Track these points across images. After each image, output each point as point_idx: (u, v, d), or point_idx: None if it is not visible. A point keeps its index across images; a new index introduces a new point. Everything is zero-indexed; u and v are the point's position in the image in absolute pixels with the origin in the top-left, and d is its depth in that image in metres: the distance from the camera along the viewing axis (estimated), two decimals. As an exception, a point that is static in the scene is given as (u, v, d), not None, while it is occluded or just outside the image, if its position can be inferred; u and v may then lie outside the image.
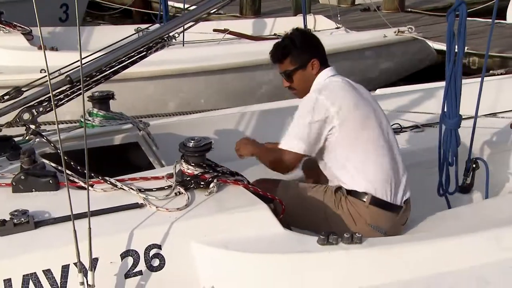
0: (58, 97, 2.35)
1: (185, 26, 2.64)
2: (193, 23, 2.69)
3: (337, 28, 7.73)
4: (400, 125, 3.93)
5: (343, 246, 2.00)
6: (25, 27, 6.08)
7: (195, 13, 2.66)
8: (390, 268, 2.01)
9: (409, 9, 10.58)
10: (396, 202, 2.40)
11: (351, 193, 2.35)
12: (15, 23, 6.12)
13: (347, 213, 2.34)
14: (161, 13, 7.39)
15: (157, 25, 7.25)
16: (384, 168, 2.39)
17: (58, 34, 6.63)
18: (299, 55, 2.53)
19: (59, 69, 2.49)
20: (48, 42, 6.11)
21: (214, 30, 6.87)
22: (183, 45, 6.08)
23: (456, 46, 2.70)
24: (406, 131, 3.92)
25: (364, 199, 2.33)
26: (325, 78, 2.54)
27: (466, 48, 2.87)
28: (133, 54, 2.50)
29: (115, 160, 2.95)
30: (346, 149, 2.37)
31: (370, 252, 2.02)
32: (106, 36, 6.32)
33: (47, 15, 7.61)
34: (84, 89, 2.42)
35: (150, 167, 2.99)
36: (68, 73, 2.41)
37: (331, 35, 7.42)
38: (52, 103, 1.96)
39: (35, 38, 6.08)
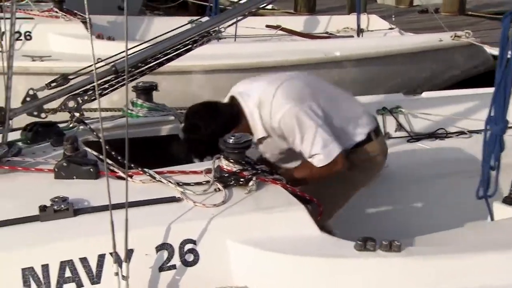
0: (103, 86, 2.42)
1: (234, 21, 2.66)
2: (241, 17, 2.72)
3: (391, 29, 7.64)
4: (445, 130, 3.88)
5: (380, 253, 1.98)
6: (85, 16, 6.27)
7: (244, 7, 2.68)
8: (429, 279, 1.98)
9: (469, 12, 10.31)
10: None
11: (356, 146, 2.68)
12: (76, 11, 6.33)
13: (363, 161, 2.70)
14: (211, 5, 7.47)
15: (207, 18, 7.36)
16: (350, 113, 2.73)
17: (116, 23, 6.81)
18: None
19: (107, 58, 2.56)
20: (106, 31, 6.29)
21: (267, 26, 6.92)
22: (235, 40, 6.14)
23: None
24: (451, 137, 3.86)
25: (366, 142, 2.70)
26: (247, 102, 2.54)
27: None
28: (178, 46, 2.54)
29: (155, 151, 3.02)
30: (329, 120, 2.56)
31: (408, 261, 1.99)
32: (160, 27, 6.44)
33: (106, 3, 7.82)
34: (129, 79, 2.47)
35: (190, 160, 3.04)
36: (114, 62, 2.47)
37: (384, 36, 7.34)
38: (96, 92, 2.03)
39: (94, 26, 6.28)
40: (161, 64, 2.55)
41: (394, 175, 3.45)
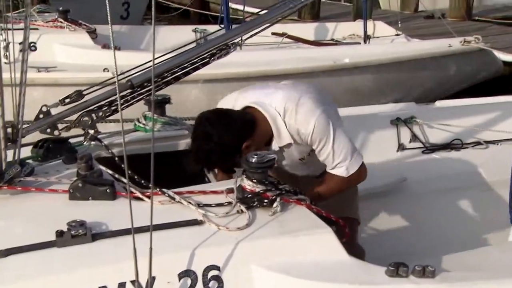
0: (117, 102, 2.34)
1: (254, 32, 2.60)
2: (262, 29, 2.65)
3: (397, 35, 7.63)
4: (461, 141, 3.82)
5: (413, 279, 1.90)
6: (90, 26, 6.25)
7: (264, 19, 2.62)
8: (467, 308, 1.91)
9: (477, 18, 10.28)
10: None
11: None
12: (80, 21, 6.31)
13: None
14: (222, 15, 7.44)
15: (215, 27, 7.31)
16: None
17: (120, 33, 6.84)
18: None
19: (128, 70, 2.48)
20: (110, 41, 6.24)
21: (273, 34, 6.88)
22: (241, 48, 6.09)
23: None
24: (467, 147, 3.79)
25: None
26: (268, 109, 2.41)
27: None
28: (196, 60, 2.47)
29: (168, 167, 2.94)
30: None
31: None
32: (165, 37, 6.44)
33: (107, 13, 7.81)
34: (145, 94, 2.40)
35: (204, 176, 2.97)
36: (129, 77, 2.40)
37: (391, 42, 7.31)
38: (119, 106, 1.97)
39: (99, 36, 6.26)
40: (178, 78, 2.48)
41: (411, 188, 3.39)
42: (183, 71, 2.45)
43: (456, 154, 3.73)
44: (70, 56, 5.56)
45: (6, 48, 2.29)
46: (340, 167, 2.45)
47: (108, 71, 5.04)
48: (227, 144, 2.30)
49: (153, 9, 1.46)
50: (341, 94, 6.29)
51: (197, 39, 6.07)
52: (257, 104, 2.43)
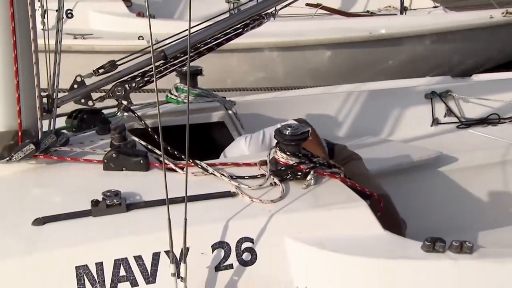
0: (151, 73, 2.35)
1: (289, 1, 2.56)
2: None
3: (435, 7, 7.45)
4: (498, 116, 3.75)
5: (450, 255, 1.88)
6: None
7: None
8: (505, 284, 1.88)
9: (520, -11, 9.92)
10: None
11: None
12: None
13: None
14: None
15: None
16: None
17: (154, 1, 6.87)
18: None
19: (162, 40, 2.49)
20: (145, 9, 6.29)
21: (307, 4, 6.81)
22: (274, 18, 6.05)
23: None
24: (505, 122, 3.72)
25: None
26: None
27: None
28: (229, 30, 2.45)
29: (200, 139, 2.96)
30: None
31: (482, 265, 1.88)
32: (198, 6, 6.41)
33: None
34: (179, 65, 2.40)
35: None
36: (162, 48, 2.40)
37: (429, 14, 7.15)
38: (155, 77, 1.96)
39: (133, 5, 6.31)
40: (211, 49, 2.47)
41: (445, 163, 3.34)
42: (216, 42, 2.43)
43: (493, 129, 3.66)
44: (105, 24, 5.64)
45: (44, 15, 2.30)
46: None
47: (143, 39, 5.08)
48: None
49: None
50: (375, 65, 6.21)
51: (230, 9, 6.03)
52: None
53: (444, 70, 6.46)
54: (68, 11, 5.78)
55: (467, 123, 3.71)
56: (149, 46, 2.42)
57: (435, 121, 3.73)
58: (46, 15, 2.40)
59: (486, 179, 3.35)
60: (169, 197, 1.77)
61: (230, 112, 3.05)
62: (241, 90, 4.64)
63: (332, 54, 5.97)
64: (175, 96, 3.02)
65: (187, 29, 2.51)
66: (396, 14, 7.18)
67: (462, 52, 6.59)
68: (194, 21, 2.70)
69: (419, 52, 6.37)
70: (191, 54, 2.42)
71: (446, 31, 6.36)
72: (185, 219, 1.69)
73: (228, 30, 2.45)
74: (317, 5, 6.95)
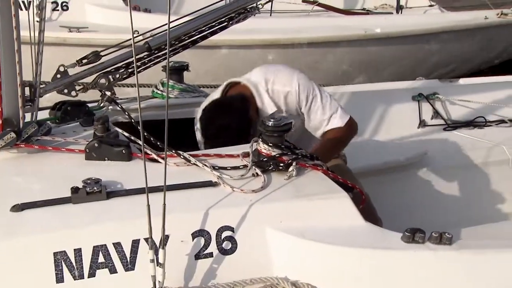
0: (136, 64, 2.39)
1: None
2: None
3: (430, 6, 7.53)
4: (484, 119, 3.83)
5: (430, 246, 1.93)
6: None
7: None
8: (482, 274, 1.93)
9: (514, -10, 10.05)
10: None
11: None
12: None
13: None
14: None
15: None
16: None
17: None
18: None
19: (144, 33, 2.54)
20: (142, 3, 6.37)
21: (303, 1, 6.88)
22: (271, 15, 6.11)
23: None
24: (491, 125, 3.79)
25: None
26: (249, 80, 2.64)
27: None
28: (213, 24, 2.50)
29: (184, 133, 3.01)
30: None
31: (460, 255, 1.93)
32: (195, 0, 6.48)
33: None
34: (162, 57, 2.45)
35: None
36: (147, 39, 2.45)
37: (424, 13, 7.23)
38: (135, 69, 2.00)
39: None
40: (195, 42, 2.52)
41: (431, 164, 3.41)
42: (200, 35, 2.48)
43: (479, 132, 3.74)
44: (101, 17, 5.66)
45: (39, 6, 2.33)
46: (335, 118, 2.66)
47: (138, 33, 5.11)
48: (241, 125, 2.52)
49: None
50: (370, 64, 6.27)
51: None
52: (235, 78, 2.66)
53: (440, 69, 6.54)
54: (64, 4, 5.80)
55: (453, 125, 3.79)
56: (136, 36, 2.49)
57: (422, 123, 3.81)
58: (32, 5, 2.43)
59: (471, 180, 3.42)
60: (151, 186, 1.82)
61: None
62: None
63: (327, 53, 6.03)
64: (161, 91, 3.06)
65: (173, 20, 2.58)
66: (392, 13, 7.27)
67: (458, 51, 6.67)
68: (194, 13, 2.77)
69: (414, 51, 6.44)
70: (175, 47, 2.46)
71: (442, 31, 6.44)
72: (164, 204, 1.73)
73: (213, 23, 2.49)
74: (313, 2, 7.03)
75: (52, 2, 5.72)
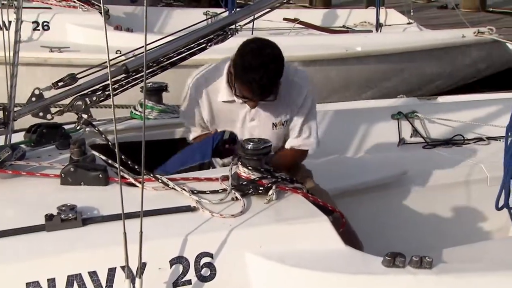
0: (112, 86, 2.37)
1: (251, 18, 2.62)
2: (260, 15, 2.67)
3: (409, 24, 7.64)
4: (462, 136, 3.87)
5: (410, 270, 1.92)
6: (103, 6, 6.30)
7: (262, 4, 2.63)
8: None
9: (490, 9, 10.30)
10: None
11: None
12: (93, 1, 6.40)
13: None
14: None
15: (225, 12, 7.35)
16: None
17: (134, 15, 6.93)
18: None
19: (119, 56, 2.52)
20: (124, 23, 6.37)
21: (284, 19, 6.93)
22: (252, 33, 6.13)
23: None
24: (469, 143, 3.83)
25: None
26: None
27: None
28: (192, 45, 2.49)
29: (164, 155, 2.98)
30: None
31: (440, 280, 1.93)
32: (177, 19, 6.48)
33: None
34: (140, 79, 2.43)
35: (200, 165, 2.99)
36: (124, 62, 2.43)
37: (404, 31, 7.32)
38: (111, 92, 1.98)
39: (111, 18, 6.31)
40: (173, 64, 2.50)
41: (411, 183, 3.42)
42: (179, 57, 2.47)
43: (458, 150, 3.77)
44: (82, 37, 5.66)
45: (17, 27, 2.30)
46: (312, 140, 2.71)
47: (120, 52, 5.09)
48: (282, 63, 2.49)
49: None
50: (351, 82, 6.32)
51: (206, 19, 6.11)
52: None
53: (419, 87, 6.61)
54: (45, 24, 5.79)
55: (432, 144, 3.82)
56: (112, 59, 2.47)
57: (402, 141, 3.83)
58: (7, 26, 2.40)
59: (449, 199, 3.44)
60: (128, 211, 1.79)
61: (195, 128, 3.07)
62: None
63: (309, 71, 6.06)
64: (139, 112, 3.03)
65: (151, 42, 2.56)
66: (371, 31, 7.34)
67: (436, 69, 6.75)
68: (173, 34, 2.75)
69: (394, 70, 6.51)
70: (153, 68, 2.44)
71: (421, 49, 6.53)
72: (141, 232, 1.70)
73: (192, 45, 2.48)
74: (294, 20, 7.08)
75: (33, 22, 5.70)
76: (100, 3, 6.20)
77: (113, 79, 2.31)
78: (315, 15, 7.93)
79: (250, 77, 2.40)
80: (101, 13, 6.12)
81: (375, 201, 3.25)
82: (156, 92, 3.06)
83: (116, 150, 1.78)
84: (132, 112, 3.11)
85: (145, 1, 1.50)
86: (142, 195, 1.72)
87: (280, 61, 2.48)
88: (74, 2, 6.32)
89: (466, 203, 3.47)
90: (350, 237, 2.62)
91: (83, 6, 6.28)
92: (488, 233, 3.33)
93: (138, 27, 6.12)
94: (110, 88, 1.79)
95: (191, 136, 2.79)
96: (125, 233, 1.69)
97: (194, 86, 2.65)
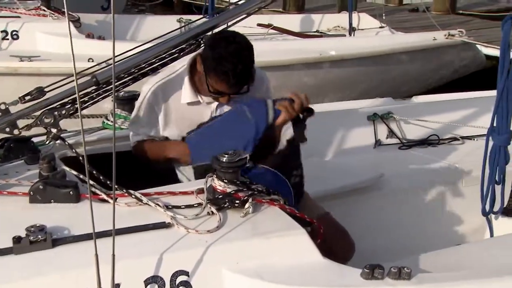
0: (82, 99, 2.30)
1: (224, 26, 2.57)
2: (233, 23, 2.62)
3: (381, 27, 7.68)
4: (438, 136, 3.89)
5: (389, 281, 1.89)
6: (74, 14, 6.24)
7: (234, 13, 2.59)
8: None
9: (461, 11, 10.41)
10: None
11: None
12: (64, 10, 6.27)
13: None
14: (207, 4, 7.48)
15: (200, 17, 7.33)
16: None
17: (106, 23, 6.82)
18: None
19: (87, 68, 2.44)
20: (96, 30, 6.26)
21: (258, 25, 6.91)
22: None
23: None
24: (444, 143, 3.84)
25: None
26: None
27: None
28: (164, 56, 2.43)
29: (136, 167, 2.91)
30: None
31: None
32: (150, 26, 6.39)
33: (89, 3, 7.82)
34: (111, 91, 2.36)
35: (174, 176, 2.93)
36: (94, 73, 2.36)
37: (376, 35, 7.35)
38: (79, 108, 1.91)
39: (83, 25, 6.21)
40: (145, 74, 2.43)
41: (387, 185, 3.41)
42: (151, 67, 2.40)
43: (433, 150, 3.77)
44: (53, 45, 5.54)
45: None
46: None
47: (92, 61, 5.00)
48: (253, 51, 2.43)
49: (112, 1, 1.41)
50: (326, 86, 6.32)
51: (181, 27, 6.04)
52: None
53: (392, 90, 6.64)
54: (14, 32, 5.68)
55: (408, 144, 3.81)
56: (82, 71, 2.39)
57: (378, 143, 3.81)
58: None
59: (425, 200, 3.44)
60: (100, 229, 1.72)
61: (169, 137, 3.00)
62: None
63: (283, 76, 6.05)
64: (112, 122, 2.96)
65: (122, 53, 2.49)
66: (345, 35, 7.36)
67: (409, 72, 6.79)
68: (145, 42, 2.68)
69: (367, 72, 6.53)
70: (124, 80, 2.37)
71: (393, 52, 6.57)
72: (113, 254, 1.63)
73: (163, 55, 2.42)
74: (268, 26, 7.06)
75: (1, 31, 5.58)
76: (70, 11, 6.13)
77: (82, 92, 2.23)
78: (289, 20, 7.92)
79: (224, 68, 2.31)
80: (72, 21, 6.03)
81: (352, 204, 3.23)
82: (128, 102, 2.98)
83: (85, 166, 1.71)
84: (104, 122, 3.03)
85: (112, 18, 1.43)
86: (114, 213, 1.65)
87: (251, 48, 2.41)
88: (44, 10, 6.20)
89: (441, 204, 3.47)
90: (340, 236, 2.59)
91: (53, 14, 6.16)
92: (464, 235, 3.33)
93: (110, 35, 6.03)
94: (78, 102, 1.70)
95: (135, 139, 2.63)
96: (96, 254, 1.63)
97: (152, 92, 2.53)
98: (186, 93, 2.52)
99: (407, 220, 3.38)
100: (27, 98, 2.24)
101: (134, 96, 3.00)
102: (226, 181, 2.10)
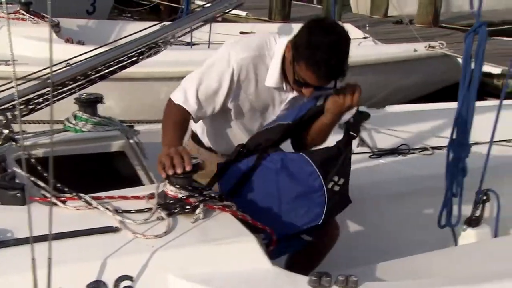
0: (36, 100, 2.27)
1: (188, 30, 2.56)
2: (196, 27, 2.61)
3: (365, 38, 7.71)
4: (408, 146, 3.90)
5: (336, 289, 1.88)
6: (53, 19, 6.20)
7: (198, 16, 2.58)
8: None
9: (443, 24, 10.50)
10: None
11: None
12: (43, 14, 6.25)
13: None
14: (183, 7, 7.50)
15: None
16: None
17: (86, 27, 6.77)
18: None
19: (35, 72, 2.42)
20: (76, 35, 6.23)
21: (241, 33, 6.92)
22: (209, 47, 6.06)
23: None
24: (414, 153, 3.85)
25: None
26: None
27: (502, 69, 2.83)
28: (122, 58, 2.41)
29: (97, 170, 2.88)
30: None
31: None
32: (131, 32, 6.33)
33: (74, 7, 7.78)
34: (67, 93, 2.34)
35: (137, 179, 2.90)
36: (49, 74, 2.33)
37: (359, 45, 7.38)
38: (18, 107, 1.88)
39: (62, 30, 6.16)
40: (103, 77, 2.41)
41: (355, 193, 3.39)
42: (108, 70, 2.38)
43: (403, 160, 3.78)
44: (31, 50, 5.46)
45: None
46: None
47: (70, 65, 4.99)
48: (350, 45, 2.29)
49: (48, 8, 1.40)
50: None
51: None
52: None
53: (371, 99, 6.66)
54: None
55: (378, 153, 3.81)
56: (33, 73, 2.37)
57: None
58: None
59: (396, 209, 3.43)
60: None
61: (131, 141, 2.97)
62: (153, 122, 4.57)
63: None
64: (73, 124, 2.93)
65: (79, 55, 2.48)
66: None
67: (389, 82, 6.82)
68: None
69: (349, 81, 6.53)
70: (81, 82, 2.35)
71: (374, 63, 6.59)
72: (49, 258, 1.60)
73: (122, 58, 2.40)
74: (250, 34, 7.06)
75: None
76: (50, 16, 6.10)
77: (35, 94, 2.20)
78: (272, 29, 7.91)
79: (317, 57, 2.15)
80: (51, 25, 6.00)
81: None
82: (90, 104, 2.96)
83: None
84: (65, 124, 3.00)
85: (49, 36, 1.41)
86: (50, 217, 1.62)
87: (349, 43, 2.24)
88: (23, 14, 6.16)
89: (409, 214, 3.47)
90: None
91: (32, 18, 6.13)
92: (432, 244, 3.32)
93: (90, 40, 6.00)
94: (16, 104, 1.68)
95: (180, 99, 2.36)
96: (33, 258, 1.59)
97: (242, 61, 2.30)
98: (273, 76, 2.36)
99: (375, 228, 3.38)
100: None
101: (96, 99, 2.98)
102: (178, 186, 2.07)
